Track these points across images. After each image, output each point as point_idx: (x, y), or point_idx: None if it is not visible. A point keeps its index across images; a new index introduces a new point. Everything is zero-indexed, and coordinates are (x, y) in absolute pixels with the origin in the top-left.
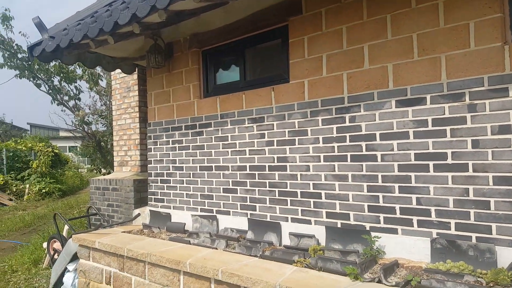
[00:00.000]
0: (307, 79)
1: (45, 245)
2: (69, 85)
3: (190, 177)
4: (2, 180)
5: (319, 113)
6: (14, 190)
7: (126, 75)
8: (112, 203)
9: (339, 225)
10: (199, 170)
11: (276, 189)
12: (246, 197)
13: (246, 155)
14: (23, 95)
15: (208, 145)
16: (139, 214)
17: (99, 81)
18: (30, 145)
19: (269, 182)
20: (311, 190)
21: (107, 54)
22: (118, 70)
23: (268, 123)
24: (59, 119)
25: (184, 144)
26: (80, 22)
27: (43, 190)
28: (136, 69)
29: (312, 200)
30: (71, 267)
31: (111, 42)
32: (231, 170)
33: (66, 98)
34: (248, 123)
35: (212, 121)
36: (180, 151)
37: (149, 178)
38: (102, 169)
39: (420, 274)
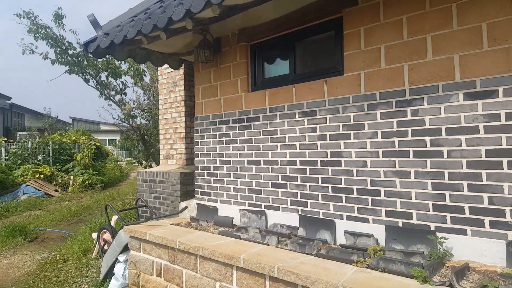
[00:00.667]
0: (363, 71)
1: (94, 235)
2: (115, 80)
3: (237, 171)
4: (49, 172)
5: (377, 107)
6: (60, 181)
7: (172, 70)
8: (159, 195)
9: (400, 224)
10: (247, 164)
11: (330, 185)
12: (297, 192)
13: (296, 149)
14: (66, 90)
15: (256, 139)
16: (186, 207)
17: (143, 76)
18: (74, 138)
19: (321, 177)
20: (369, 187)
21: (156, 50)
22: (165, 66)
23: (321, 116)
24: (106, 113)
25: (231, 138)
26: (134, 19)
27: (86, 182)
28: (183, 64)
29: (370, 198)
30: (122, 258)
31: (163, 38)
32: (280, 165)
33: (112, 93)
34: (298, 117)
35: (261, 114)
36: (227, 145)
37: (195, 171)
38: (143, 162)
39: (495, 279)
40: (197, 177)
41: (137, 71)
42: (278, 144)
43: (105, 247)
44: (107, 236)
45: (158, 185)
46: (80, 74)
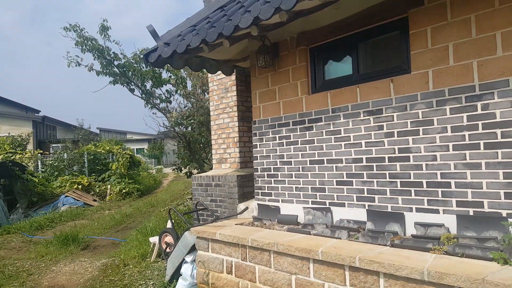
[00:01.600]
0: (431, 69)
1: (152, 239)
2: (159, 88)
3: (299, 171)
4: (86, 182)
5: (447, 102)
6: (98, 191)
7: (224, 76)
8: (215, 198)
9: (471, 213)
10: (309, 164)
11: (398, 180)
12: (363, 188)
13: (361, 147)
14: (92, 102)
15: (318, 139)
16: (247, 208)
17: (186, 84)
18: (107, 148)
19: (389, 173)
20: (439, 179)
21: (211, 57)
22: (217, 72)
23: (387, 114)
24: (153, 121)
25: (292, 140)
26: (195, 28)
27: (123, 191)
28: (234, 71)
29: (440, 190)
30: (189, 258)
31: (226, 45)
32: (345, 163)
33: (157, 101)
34: (363, 116)
35: (323, 115)
36: (287, 146)
37: (255, 173)
38: (183, 168)
39: None
40: (257, 178)
41: (180, 79)
42: (342, 143)
43: (167, 249)
44: (169, 239)
45: (214, 189)
46: (125, 84)
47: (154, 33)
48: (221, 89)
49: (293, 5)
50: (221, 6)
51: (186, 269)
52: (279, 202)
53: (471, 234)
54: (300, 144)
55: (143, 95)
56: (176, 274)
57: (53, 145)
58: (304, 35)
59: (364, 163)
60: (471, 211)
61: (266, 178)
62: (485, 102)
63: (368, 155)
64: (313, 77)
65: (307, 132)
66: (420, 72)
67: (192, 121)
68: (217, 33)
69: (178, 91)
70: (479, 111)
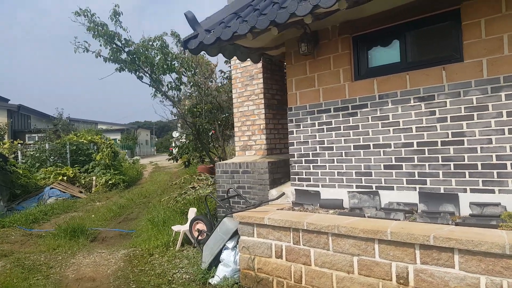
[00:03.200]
0: (485, 58)
1: (175, 228)
2: (170, 75)
3: (342, 156)
4: (72, 173)
5: (502, 89)
6: (83, 182)
7: (248, 64)
8: (243, 185)
9: None
10: (353, 149)
11: (451, 163)
12: (414, 172)
13: (412, 132)
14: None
15: (363, 125)
16: (283, 193)
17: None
18: (89, 138)
19: (442, 156)
20: (494, 161)
21: (244, 45)
22: (238, 60)
23: (440, 100)
24: (164, 110)
25: (333, 126)
26: (239, 15)
27: (110, 182)
28: (261, 58)
29: (495, 171)
30: (230, 244)
31: (274, 33)
32: (394, 147)
33: (165, 89)
34: (414, 102)
35: (368, 102)
36: (328, 132)
37: (291, 159)
38: (179, 158)
39: None
40: (293, 164)
41: (190, 67)
42: (391, 128)
43: (200, 237)
44: (201, 226)
45: (242, 175)
46: (133, 72)
47: (194, 20)
48: (246, 77)
49: None
50: None
51: (227, 255)
52: (319, 187)
53: None
54: (343, 130)
55: (152, 83)
56: (215, 261)
57: (30, 135)
58: (348, 24)
59: (415, 147)
60: None
61: (304, 164)
62: None
63: (419, 139)
64: (356, 65)
65: (350, 118)
66: (473, 61)
67: (200, 109)
68: (269, 21)
69: (187, 79)
70: None
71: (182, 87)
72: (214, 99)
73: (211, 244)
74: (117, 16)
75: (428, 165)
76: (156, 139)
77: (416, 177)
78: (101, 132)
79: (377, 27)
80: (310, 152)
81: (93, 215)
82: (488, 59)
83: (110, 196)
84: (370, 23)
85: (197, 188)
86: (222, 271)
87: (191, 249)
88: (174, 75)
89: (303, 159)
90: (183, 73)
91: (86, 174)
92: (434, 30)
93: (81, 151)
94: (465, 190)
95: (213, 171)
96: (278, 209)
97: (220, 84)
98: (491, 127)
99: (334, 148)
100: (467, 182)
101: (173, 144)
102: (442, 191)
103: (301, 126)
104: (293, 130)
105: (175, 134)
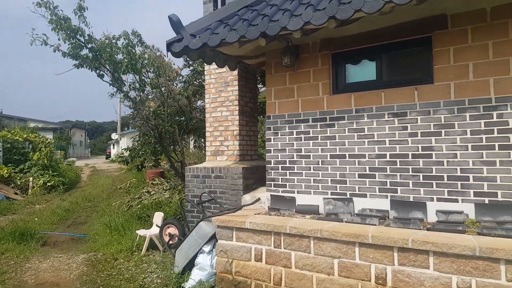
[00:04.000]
0: (453, 82)
1: (140, 232)
2: (134, 75)
3: (318, 164)
4: (6, 173)
5: (466, 110)
6: (19, 183)
7: (224, 71)
8: (215, 189)
9: (486, 202)
10: (330, 158)
11: (421, 174)
12: (386, 181)
13: (385, 144)
14: None
15: (340, 135)
16: (259, 199)
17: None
18: (25, 136)
19: (412, 167)
20: (459, 174)
21: (224, 52)
22: (213, 66)
23: (412, 117)
24: (126, 110)
25: (311, 135)
26: (227, 24)
27: (48, 184)
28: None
29: (459, 182)
30: (206, 248)
31: (262, 44)
32: (368, 158)
33: (126, 89)
34: (388, 117)
35: (346, 114)
36: (306, 141)
37: (267, 165)
38: (129, 161)
39: None
40: (270, 170)
41: (157, 68)
42: (366, 140)
43: (171, 241)
44: (172, 230)
45: (214, 180)
46: (94, 69)
47: (179, 23)
48: (220, 83)
49: (350, 15)
50: (246, 5)
51: (203, 259)
52: (294, 193)
53: (488, 218)
54: (320, 140)
55: (114, 82)
56: (189, 265)
57: None
58: (328, 41)
59: (388, 159)
60: (486, 200)
61: (280, 171)
62: (500, 112)
63: (391, 151)
64: (335, 79)
65: (328, 129)
66: (442, 84)
67: (164, 112)
68: (259, 32)
69: (150, 81)
70: (495, 119)
71: (146, 88)
72: (175, 102)
73: (186, 248)
74: (82, 11)
75: (399, 175)
76: (89, 141)
77: (388, 186)
78: (36, 131)
79: (355, 46)
80: (287, 160)
81: (36, 218)
82: (455, 83)
83: (49, 199)
84: (349, 42)
85: (152, 193)
86: (197, 275)
87: (158, 254)
88: (137, 76)
89: (279, 165)
90: (144, 74)
91: (22, 174)
92: (408, 53)
93: (16, 149)
94: (432, 199)
95: (163, 175)
96: (255, 214)
97: (181, 89)
98: (456, 143)
99: (311, 156)
100: (434, 192)
101: (112, 146)
102: (411, 199)
103: (279, 134)
104: (270, 138)
105: (114, 136)
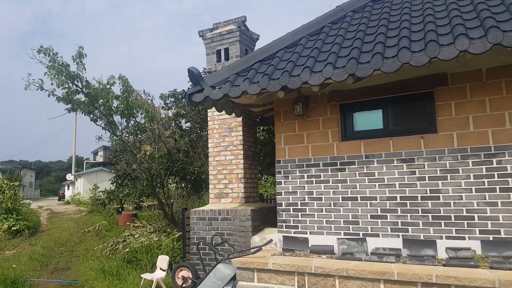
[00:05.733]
0: (455, 132)
1: (147, 276)
2: (128, 121)
3: (330, 206)
4: None
5: (469, 157)
6: None
7: (227, 117)
8: (223, 231)
9: (491, 239)
10: (341, 200)
11: (430, 214)
12: (397, 221)
13: (395, 187)
14: None
15: (351, 179)
16: (271, 240)
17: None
18: None
19: (421, 209)
20: (464, 214)
21: (234, 100)
22: (216, 113)
23: (419, 163)
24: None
25: (322, 178)
26: (246, 76)
27: (13, 228)
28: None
29: (465, 222)
30: None
31: (280, 96)
32: (379, 200)
33: (120, 133)
34: (397, 162)
35: (356, 160)
36: (317, 184)
37: (278, 207)
38: (107, 203)
39: None
40: (281, 212)
41: (149, 114)
42: (377, 183)
43: (184, 284)
44: (185, 273)
45: (221, 222)
46: (87, 114)
47: (199, 76)
48: (224, 128)
49: (369, 74)
50: (259, 60)
51: None
52: (307, 234)
53: (494, 254)
54: (332, 183)
55: (108, 126)
56: None
57: None
58: (337, 93)
59: (398, 200)
60: (491, 237)
61: (292, 212)
62: (499, 158)
63: (402, 194)
64: (343, 127)
65: (339, 173)
66: (446, 133)
67: (157, 156)
68: (280, 85)
69: (145, 125)
70: (495, 165)
71: (140, 132)
72: (164, 146)
73: None
74: (81, 58)
75: (410, 215)
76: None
77: (400, 226)
78: None
79: (362, 98)
80: (299, 202)
81: (14, 265)
82: (458, 133)
83: (17, 244)
84: (356, 94)
85: (136, 236)
86: None
87: None
88: (129, 120)
89: (291, 207)
90: (134, 118)
91: None
92: (412, 105)
93: None
94: (441, 237)
95: (136, 218)
96: (272, 255)
97: (171, 131)
98: (461, 186)
99: (323, 198)
100: (443, 230)
101: (66, 188)
102: (422, 238)
103: (290, 178)
104: (281, 181)
105: (69, 176)
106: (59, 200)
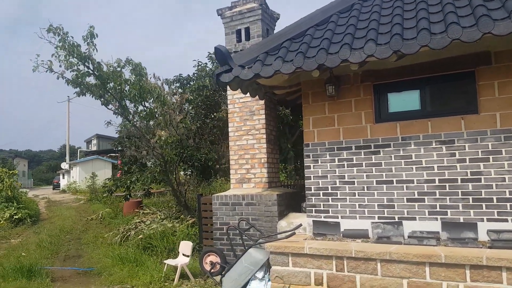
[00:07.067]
0: (498, 112)
1: (171, 262)
2: (139, 105)
3: (363, 190)
4: None
5: None
6: None
7: (248, 100)
8: (247, 217)
9: None
10: (376, 184)
11: (470, 197)
12: (436, 204)
13: (434, 170)
14: None
15: (386, 162)
16: (300, 225)
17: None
18: None
19: (461, 191)
20: (507, 196)
21: (260, 82)
22: (237, 96)
23: (459, 144)
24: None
25: (354, 162)
26: (277, 55)
27: (15, 217)
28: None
29: (508, 204)
30: (259, 274)
31: (315, 75)
32: (417, 183)
33: (131, 118)
34: (435, 144)
35: (391, 142)
36: (349, 168)
37: (307, 192)
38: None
39: None
40: (310, 197)
41: (160, 97)
42: (414, 166)
43: (212, 270)
44: (213, 258)
45: (245, 207)
46: (98, 97)
47: (227, 55)
48: (245, 112)
49: (416, 50)
50: (289, 38)
51: (257, 285)
52: (338, 218)
53: None
54: (365, 166)
55: (121, 110)
56: None
57: None
58: (370, 73)
59: (437, 183)
60: None
61: (322, 197)
62: None
63: (440, 176)
64: (377, 109)
65: (373, 156)
66: (488, 114)
67: (171, 141)
68: (317, 64)
69: (157, 110)
70: None
71: (151, 117)
72: (174, 131)
73: (236, 276)
74: (93, 38)
75: (449, 198)
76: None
77: (438, 209)
78: None
79: (398, 78)
80: (329, 186)
81: (23, 253)
82: (501, 113)
83: (20, 232)
84: (392, 74)
85: (147, 223)
86: None
87: (189, 283)
88: (141, 105)
89: (321, 192)
90: (147, 102)
91: None
92: (452, 86)
93: None
94: (482, 220)
95: (141, 206)
96: (305, 239)
97: (183, 116)
98: (504, 168)
99: (356, 182)
100: (484, 213)
101: (61, 176)
102: (461, 221)
103: (319, 161)
104: (310, 165)
105: (64, 165)
106: (53, 189)
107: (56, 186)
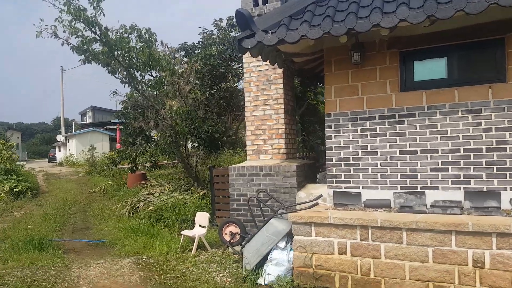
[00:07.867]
0: None
1: (188, 233)
2: (147, 74)
3: (386, 160)
4: None
5: None
6: None
7: (266, 68)
8: (265, 188)
9: None
10: (399, 154)
11: (494, 166)
12: (459, 174)
13: (459, 140)
14: None
15: (411, 132)
16: (321, 195)
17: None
18: None
19: (486, 161)
20: None
21: (281, 49)
22: (253, 64)
23: (486, 114)
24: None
25: (378, 132)
26: (302, 19)
27: (16, 189)
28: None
29: None
30: (281, 244)
31: (342, 41)
32: (441, 153)
33: (140, 87)
34: (462, 114)
35: (417, 111)
36: (372, 138)
37: (328, 163)
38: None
39: None
40: (331, 167)
41: (170, 65)
42: (439, 136)
43: (232, 240)
44: (232, 229)
45: (263, 179)
46: (105, 65)
47: (250, 19)
48: (262, 81)
49: (451, 15)
50: (313, 1)
51: (279, 255)
52: (359, 188)
53: None
54: (389, 136)
55: (129, 79)
56: (261, 262)
57: None
58: (397, 40)
59: (461, 153)
60: None
61: (343, 167)
62: None
63: (465, 146)
64: (403, 77)
65: (397, 126)
66: None
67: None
68: (346, 28)
69: (165, 79)
70: None
71: (160, 86)
72: (183, 102)
73: (258, 245)
74: (99, 2)
75: (473, 168)
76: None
77: (461, 178)
78: None
79: (425, 45)
80: (351, 156)
81: (30, 226)
82: None
83: (22, 205)
84: (419, 41)
85: (156, 195)
86: (274, 271)
87: (206, 253)
88: (150, 74)
89: (342, 162)
90: (156, 70)
91: None
92: (479, 53)
93: None
94: (505, 189)
95: (145, 178)
96: (327, 209)
97: (192, 87)
98: None
99: (378, 152)
100: (508, 182)
101: (57, 149)
102: (485, 190)
103: (341, 132)
104: (331, 135)
105: (60, 137)
106: (49, 162)
107: (52, 159)
